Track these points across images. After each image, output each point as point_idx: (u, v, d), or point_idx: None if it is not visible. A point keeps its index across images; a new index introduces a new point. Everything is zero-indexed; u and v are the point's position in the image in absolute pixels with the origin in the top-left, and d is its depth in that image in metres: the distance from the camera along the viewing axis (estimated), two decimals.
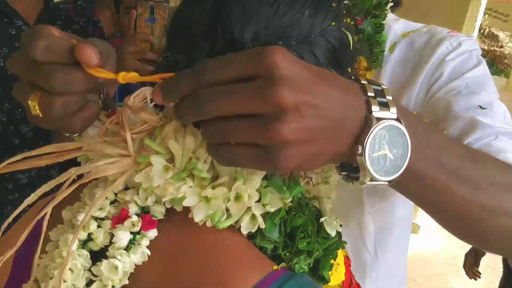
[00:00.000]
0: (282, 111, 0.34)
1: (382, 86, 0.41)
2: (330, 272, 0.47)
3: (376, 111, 0.39)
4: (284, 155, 0.35)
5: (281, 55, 0.34)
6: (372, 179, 0.40)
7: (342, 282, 0.49)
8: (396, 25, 0.81)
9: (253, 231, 0.43)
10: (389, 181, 0.41)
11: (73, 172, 0.42)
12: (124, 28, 1.46)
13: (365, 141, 0.38)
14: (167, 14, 1.33)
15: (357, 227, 0.84)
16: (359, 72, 0.74)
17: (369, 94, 0.39)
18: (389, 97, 0.40)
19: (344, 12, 0.49)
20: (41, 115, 0.39)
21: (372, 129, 0.38)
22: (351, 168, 0.42)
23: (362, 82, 0.40)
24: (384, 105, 0.39)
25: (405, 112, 0.42)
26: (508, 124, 0.67)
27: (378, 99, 0.39)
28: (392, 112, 0.40)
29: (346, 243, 0.51)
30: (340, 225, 0.48)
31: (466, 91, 0.69)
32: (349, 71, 0.47)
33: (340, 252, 0.49)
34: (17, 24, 1.55)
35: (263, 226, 0.43)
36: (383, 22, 0.77)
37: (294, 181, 0.44)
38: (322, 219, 0.46)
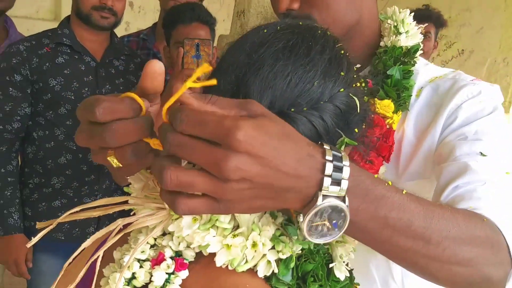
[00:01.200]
0: (233, 179, 0.39)
1: (342, 156, 0.44)
2: None
3: (326, 188, 0.43)
4: (228, 207, 0.42)
5: (247, 132, 0.38)
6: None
7: None
8: (424, 71, 0.83)
9: (268, 274, 0.49)
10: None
11: (119, 222, 0.51)
12: (173, 61, 1.60)
13: (308, 214, 0.43)
14: (211, 50, 1.45)
15: (384, 258, 0.85)
16: (387, 115, 0.78)
17: (326, 171, 0.42)
18: (346, 170, 0.43)
19: (355, 76, 0.53)
20: (121, 165, 0.46)
21: (316, 207, 0.43)
22: None
23: (325, 157, 0.43)
24: (336, 182, 0.43)
25: (361, 176, 0.46)
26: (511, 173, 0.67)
27: (334, 173, 0.43)
28: (342, 189, 0.43)
29: (359, 285, 0.55)
30: (351, 270, 0.53)
31: (472, 137, 0.70)
32: (356, 131, 0.51)
33: None
34: (86, 60, 1.71)
35: (276, 270, 0.49)
36: (412, 68, 0.80)
37: None
38: (331, 265, 0.51)
